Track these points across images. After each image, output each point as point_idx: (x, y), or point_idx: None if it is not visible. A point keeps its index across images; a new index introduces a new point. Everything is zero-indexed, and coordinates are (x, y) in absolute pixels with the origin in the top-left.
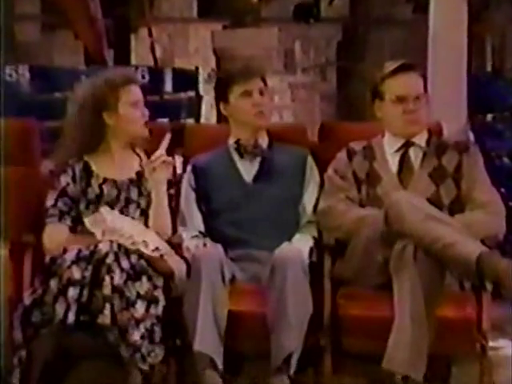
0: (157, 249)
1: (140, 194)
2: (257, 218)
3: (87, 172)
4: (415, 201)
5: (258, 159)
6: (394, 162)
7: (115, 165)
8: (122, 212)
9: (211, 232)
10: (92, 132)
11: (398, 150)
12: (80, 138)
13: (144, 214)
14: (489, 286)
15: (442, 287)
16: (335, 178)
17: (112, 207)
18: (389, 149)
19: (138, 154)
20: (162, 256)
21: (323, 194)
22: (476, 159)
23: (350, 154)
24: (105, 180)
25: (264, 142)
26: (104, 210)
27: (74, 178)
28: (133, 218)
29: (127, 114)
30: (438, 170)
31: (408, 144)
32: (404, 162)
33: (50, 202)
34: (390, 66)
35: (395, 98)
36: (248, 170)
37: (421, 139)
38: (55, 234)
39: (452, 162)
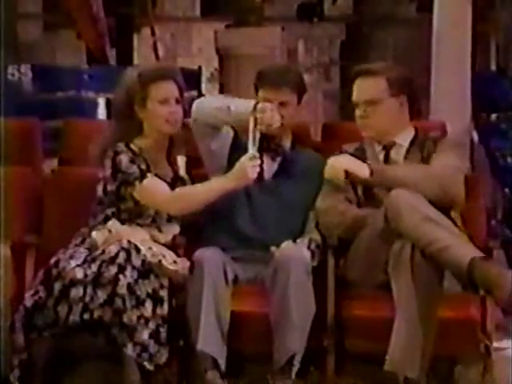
0: (175, 262)
1: None
2: (268, 214)
3: (140, 154)
4: (413, 200)
5: (279, 158)
6: (381, 162)
7: (156, 162)
8: (156, 213)
9: (223, 222)
10: (125, 123)
11: (382, 150)
12: (115, 127)
13: (172, 221)
14: (481, 291)
15: (441, 288)
16: (333, 179)
17: None
18: (377, 149)
19: (170, 164)
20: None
21: (322, 193)
22: (448, 145)
23: None
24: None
25: (287, 142)
26: (113, 223)
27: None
28: (159, 225)
29: (154, 110)
30: (420, 163)
31: (390, 144)
32: (388, 161)
33: (125, 165)
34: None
35: (354, 103)
36: (269, 165)
37: (404, 138)
38: (156, 189)
39: (429, 152)
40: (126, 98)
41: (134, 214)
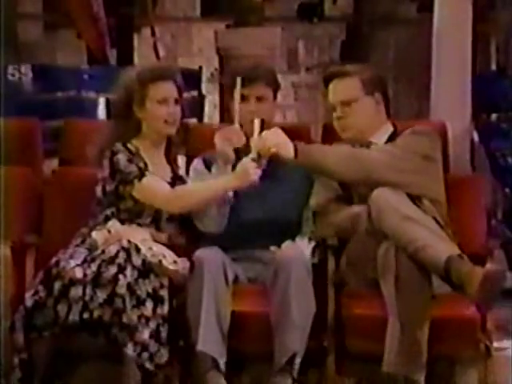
0: (175, 262)
1: None
2: (261, 216)
3: (138, 153)
4: (394, 199)
5: (264, 159)
6: None
7: (154, 162)
8: (155, 212)
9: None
10: (123, 123)
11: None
12: (113, 127)
13: (171, 220)
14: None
15: (430, 287)
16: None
17: None
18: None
19: (169, 163)
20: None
21: (314, 192)
22: (407, 133)
23: None
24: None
25: None
26: (113, 224)
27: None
28: (159, 224)
29: (152, 110)
30: None
31: (366, 144)
32: None
33: (123, 164)
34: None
35: (330, 106)
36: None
37: (380, 137)
38: (156, 187)
39: None
40: (124, 98)
41: (134, 214)
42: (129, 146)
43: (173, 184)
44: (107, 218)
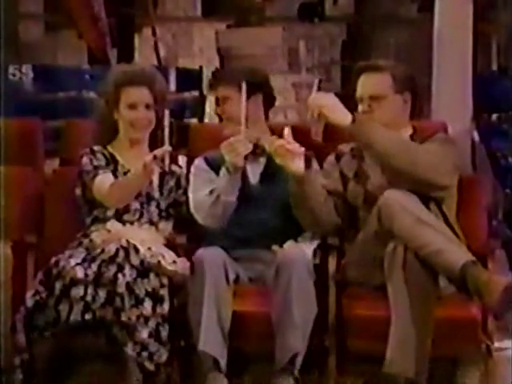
0: (174, 262)
1: (161, 193)
2: (261, 218)
3: (114, 160)
4: (407, 202)
5: (263, 160)
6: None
7: (137, 159)
8: (142, 207)
9: (216, 231)
10: (105, 124)
11: None
12: (97, 128)
13: (161, 216)
14: (474, 296)
15: (436, 288)
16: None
17: (136, 197)
18: None
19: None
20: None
21: None
22: (434, 139)
23: (339, 156)
24: (129, 171)
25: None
26: (112, 224)
27: (107, 161)
28: (150, 220)
29: (123, 114)
30: None
31: None
32: None
33: (87, 167)
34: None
35: (358, 99)
36: (254, 170)
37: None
38: (102, 183)
39: None
40: (103, 100)
41: (121, 209)
42: (108, 148)
43: (161, 180)
44: (95, 219)
